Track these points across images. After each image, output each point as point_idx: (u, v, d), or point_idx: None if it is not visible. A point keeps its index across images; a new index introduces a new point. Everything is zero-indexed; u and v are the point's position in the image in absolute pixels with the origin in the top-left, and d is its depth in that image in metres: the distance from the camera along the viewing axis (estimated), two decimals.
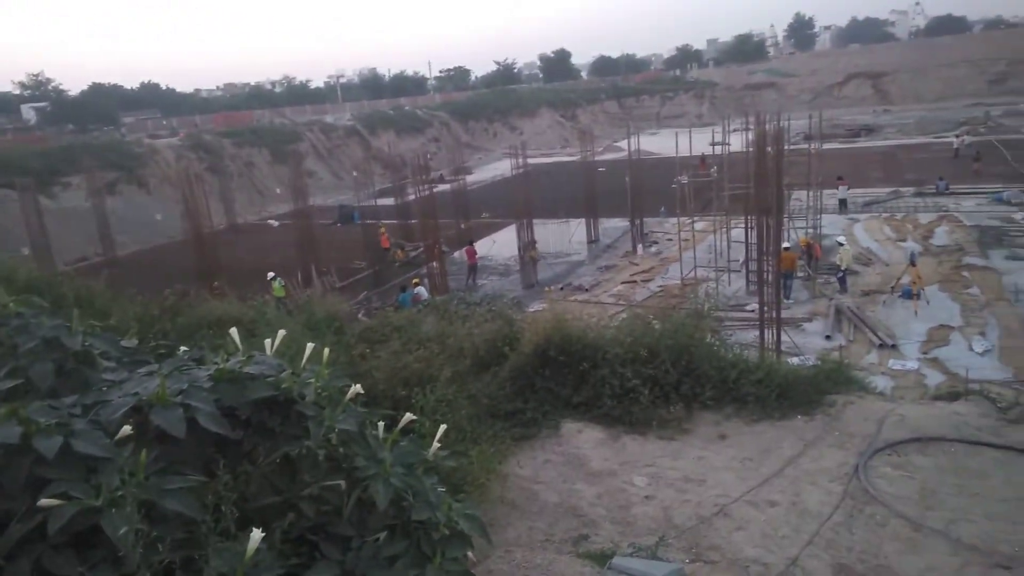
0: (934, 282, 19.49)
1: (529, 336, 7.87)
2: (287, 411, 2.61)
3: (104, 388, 2.57)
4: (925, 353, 15.47)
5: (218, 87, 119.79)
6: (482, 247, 28.57)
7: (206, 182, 37.59)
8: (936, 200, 30.17)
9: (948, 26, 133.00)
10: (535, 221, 26.41)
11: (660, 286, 22.22)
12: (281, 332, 3.08)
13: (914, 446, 6.58)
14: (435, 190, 27.10)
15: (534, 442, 7.04)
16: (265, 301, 11.12)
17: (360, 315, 16.22)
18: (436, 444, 3.35)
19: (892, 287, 19.25)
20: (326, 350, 2.95)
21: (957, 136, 44.32)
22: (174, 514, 2.10)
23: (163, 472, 2.17)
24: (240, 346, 2.84)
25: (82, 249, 33.78)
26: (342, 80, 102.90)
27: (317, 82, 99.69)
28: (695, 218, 25.31)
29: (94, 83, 75.15)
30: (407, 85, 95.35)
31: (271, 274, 22.47)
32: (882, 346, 15.92)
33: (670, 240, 27.06)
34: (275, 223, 41.21)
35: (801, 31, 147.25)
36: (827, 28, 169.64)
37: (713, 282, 21.24)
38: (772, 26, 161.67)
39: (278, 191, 46.92)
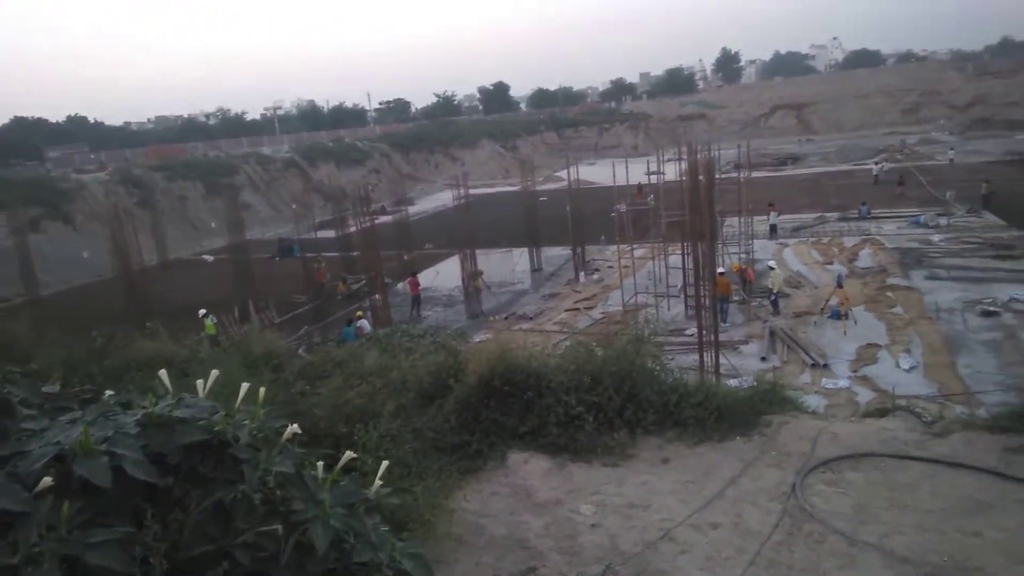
0: (861, 303, 20.38)
1: (474, 367, 7.84)
2: (220, 455, 2.53)
3: (23, 438, 2.45)
4: (855, 371, 16.10)
5: (149, 120, 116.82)
6: (425, 278, 28.47)
7: (136, 217, 36.50)
8: (859, 224, 31.71)
9: (864, 59, 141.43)
10: (478, 251, 26.52)
11: (602, 313, 22.55)
12: (214, 372, 3.00)
13: (847, 462, 6.82)
14: (377, 222, 26.96)
15: (480, 474, 6.98)
16: (199, 340, 10.78)
17: (301, 351, 15.87)
18: (378, 482, 3.31)
19: (822, 308, 20.05)
20: (262, 389, 2.88)
21: (876, 163, 46.87)
22: (99, 569, 2.00)
23: (87, 525, 2.08)
24: (170, 388, 2.75)
25: (2, 290, 32.08)
26: (279, 112, 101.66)
27: (253, 114, 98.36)
28: (634, 245, 25.87)
29: (16, 116, 72.19)
30: (346, 117, 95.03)
31: (203, 311, 21.83)
32: (814, 366, 16.50)
33: (611, 267, 27.58)
34: (210, 258, 40.13)
35: (728, 65, 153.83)
36: (752, 62, 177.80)
37: (653, 308, 21.70)
38: (701, 60, 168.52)
39: (213, 225, 45.79)
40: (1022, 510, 5.88)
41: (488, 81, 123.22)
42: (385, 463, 4.38)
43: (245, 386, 2.89)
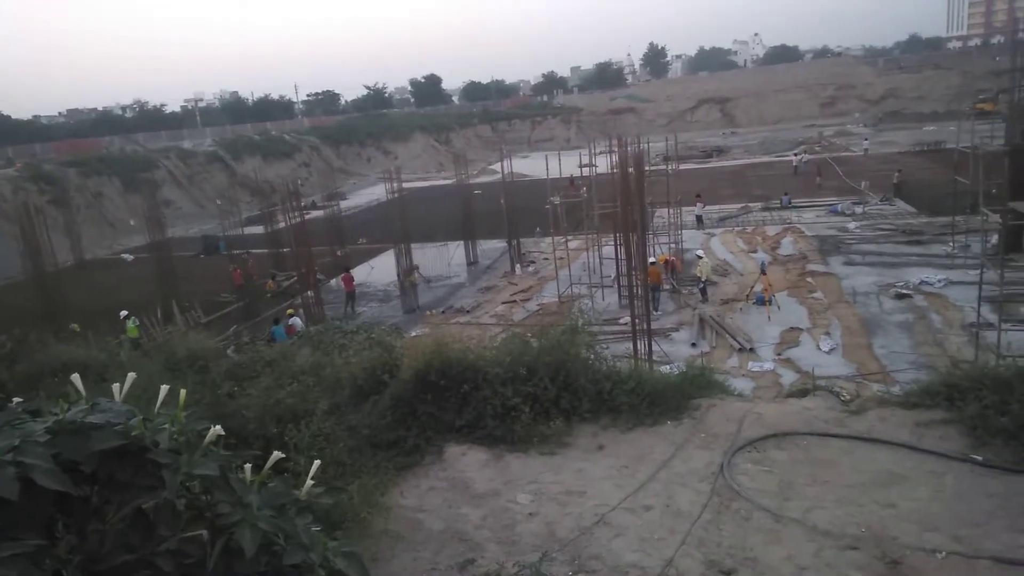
0: (783, 288, 21.22)
1: (409, 362, 7.79)
2: (139, 461, 2.43)
3: None
4: (779, 354, 16.76)
5: (60, 113, 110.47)
6: (360, 273, 28.02)
7: (49, 216, 34.43)
8: (781, 213, 32.98)
9: (783, 55, 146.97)
10: (413, 245, 26.26)
11: (539, 304, 22.72)
12: (131, 375, 2.87)
13: (772, 441, 7.11)
14: (307, 216, 26.32)
15: (418, 469, 6.95)
16: (119, 343, 10.31)
17: (229, 351, 15.39)
18: (310, 482, 3.25)
19: (747, 295, 20.78)
20: (183, 391, 2.78)
21: (796, 155, 48.83)
22: None
23: None
24: (84, 393, 2.62)
25: None
26: (201, 104, 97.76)
27: (173, 106, 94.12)
28: (568, 237, 26.16)
29: None
30: (273, 109, 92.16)
31: (124, 313, 20.88)
32: (741, 350, 17.10)
33: (546, 259, 27.80)
34: (129, 257, 38.40)
35: (655, 59, 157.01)
36: (678, 57, 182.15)
37: (588, 298, 22.02)
38: (629, 55, 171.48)
39: (132, 223, 43.75)
40: (933, 480, 6.27)
41: (420, 73, 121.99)
42: (317, 462, 4.29)
43: (165, 388, 2.78)
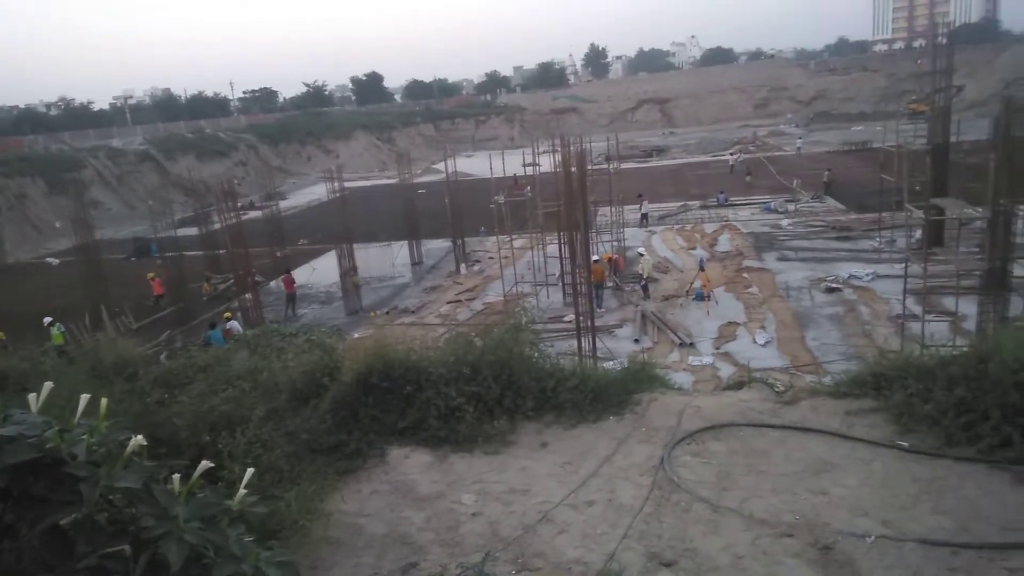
0: (721, 284, 21.81)
1: (350, 364, 7.65)
2: (55, 474, 2.31)
3: None
4: (717, 348, 17.22)
5: None
6: (301, 275, 27.45)
7: None
8: (718, 211, 33.87)
9: (719, 57, 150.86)
10: (356, 245, 25.87)
11: (484, 303, 22.72)
12: (47, 385, 2.72)
13: (710, 433, 7.27)
14: (245, 217, 25.62)
15: (360, 474, 6.83)
16: (44, 351, 9.81)
17: (162, 357, 14.87)
18: (243, 490, 3.15)
19: (687, 291, 21.28)
20: (103, 400, 2.65)
21: (731, 154, 50.26)
22: None
23: None
24: None
25: None
26: (131, 101, 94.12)
27: (101, 104, 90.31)
28: (513, 236, 26.22)
29: None
30: (207, 106, 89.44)
31: (48, 319, 19.92)
32: (682, 345, 17.49)
33: (491, 258, 27.81)
34: (55, 261, 36.67)
35: (596, 60, 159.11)
36: (619, 58, 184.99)
37: (533, 296, 22.14)
38: (571, 55, 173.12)
39: (58, 225, 41.76)
40: (862, 467, 6.52)
41: (361, 71, 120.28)
42: (251, 470, 4.18)
43: (85, 398, 2.65)
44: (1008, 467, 6.10)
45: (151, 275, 26.25)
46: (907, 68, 76.08)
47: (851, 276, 21.36)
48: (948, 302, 17.15)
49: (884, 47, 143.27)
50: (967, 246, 20.23)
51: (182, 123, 72.26)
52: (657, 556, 5.31)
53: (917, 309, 16.63)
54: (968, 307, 15.87)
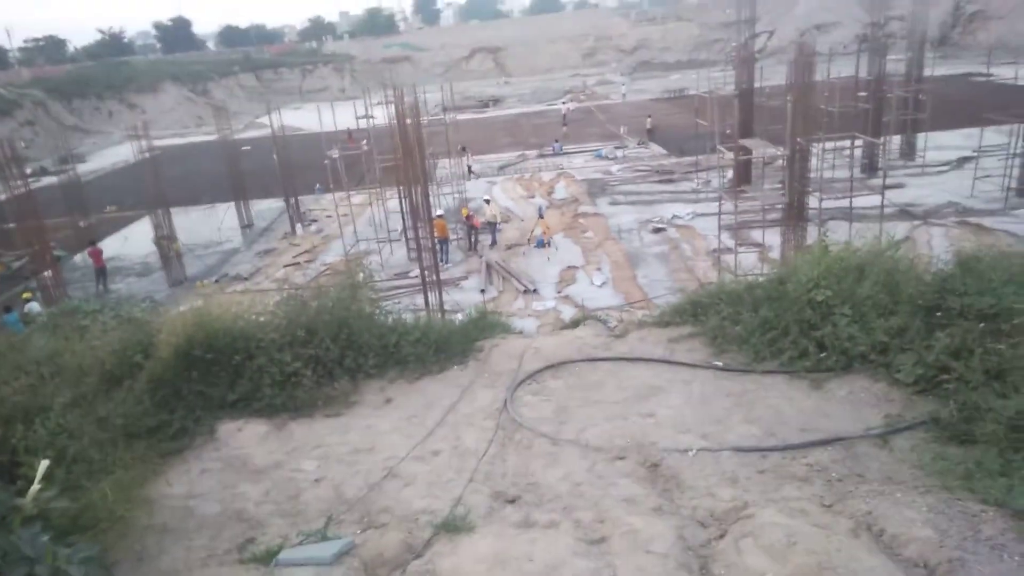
0: (560, 231, 22.53)
1: (167, 338, 7.03)
2: None
3: None
4: (559, 292, 17.87)
5: None
6: (112, 246, 24.85)
7: None
8: (554, 160, 34.74)
9: (547, 5, 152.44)
10: (174, 209, 23.70)
11: (325, 264, 21.86)
12: None
13: (548, 372, 7.54)
14: (37, 185, 22.57)
15: (187, 453, 6.36)
16: None
17: None
18: (36, 486, 2.82)
19: (528, 239, 21.77)
20: None
21: (564, 103, 51.47)
22: None
23: None
24: None
25: None
26: None
27: None
28: (351, 192, 25.27)
29: None
30: None
31: None
32: (526, 292, 17.95)
33: (329, 217, 26.68)
34: None
35: (426, 7, 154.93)
36: (449, 4, 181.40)
37: (376, 254, 21.62)
38: (400, 0, 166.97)
39: None
40: (684, 388, 7.06)
41: (164, 16, 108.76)
42: (45, 463, 3.75)
43: None
44: (805, 375, 6.89)
45: None
46: (718, 17, 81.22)
47: (674, 216, 22.88)
48: (757, 234, 18.93)
49: None
50: (771, 183, 22.36)
51: None
52: (502, 494, 5.45)
53: (731, 243, 18.19)
54: (773, 238, 17.59)
